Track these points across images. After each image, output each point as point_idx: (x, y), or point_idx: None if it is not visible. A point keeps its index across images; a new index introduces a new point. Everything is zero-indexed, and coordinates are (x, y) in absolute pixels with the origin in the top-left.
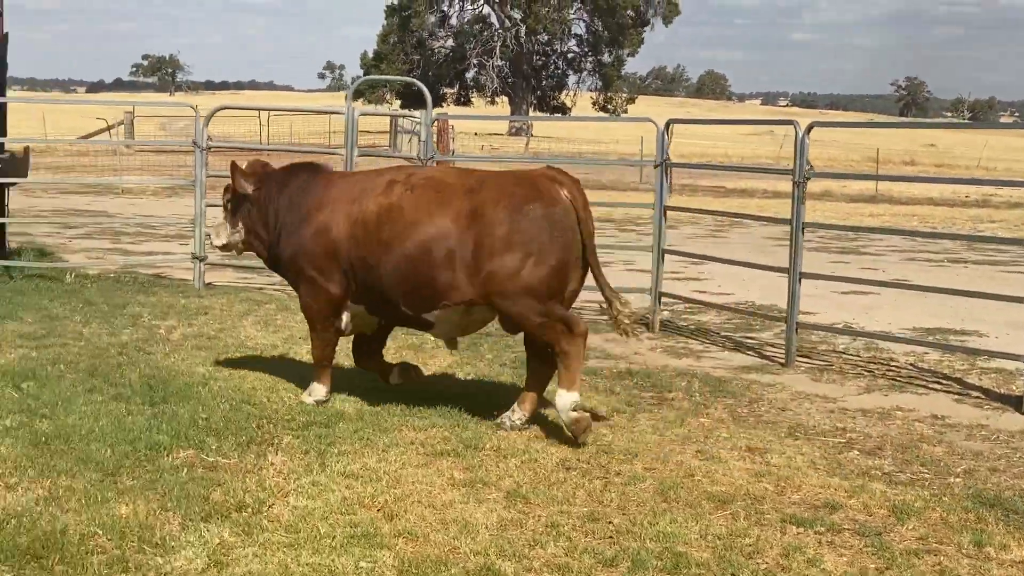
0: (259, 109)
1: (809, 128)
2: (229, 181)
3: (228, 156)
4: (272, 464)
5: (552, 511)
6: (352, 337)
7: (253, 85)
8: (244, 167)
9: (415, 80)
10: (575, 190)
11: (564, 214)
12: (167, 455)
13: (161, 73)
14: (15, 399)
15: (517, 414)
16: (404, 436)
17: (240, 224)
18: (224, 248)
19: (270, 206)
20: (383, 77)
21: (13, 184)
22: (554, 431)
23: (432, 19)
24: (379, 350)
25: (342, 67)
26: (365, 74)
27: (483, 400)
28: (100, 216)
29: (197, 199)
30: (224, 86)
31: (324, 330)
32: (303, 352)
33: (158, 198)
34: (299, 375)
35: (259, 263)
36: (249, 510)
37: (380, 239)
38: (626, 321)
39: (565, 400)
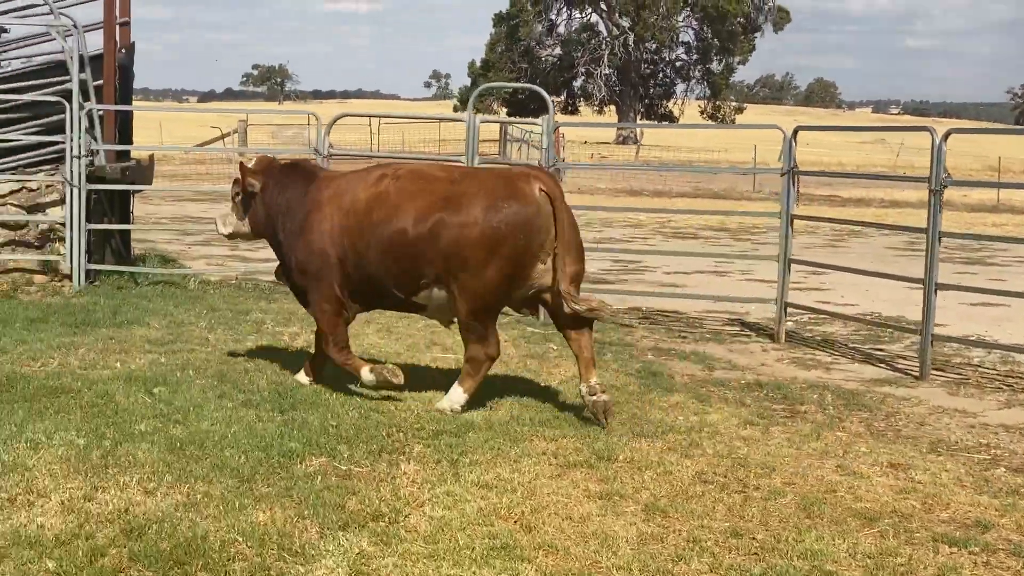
0: (380, 117)
1: (946, 135)
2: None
3: (349, 164)
4: (405, 473)
5: (692, 525)
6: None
7: (360, 94)
8: (251, 164)
9: (537, 87)
10: (551, 184)
11: (536, 212)
12: (300, 462)
13: (270, 83)
14: (148, 404)
15: (585, 387)
16: (535, 446)
17: (247, 217)
18: (230, 237)
19: (273, 202)
20: (503, 84)
21: (139, 191)
22: (687, 443)
23: (540, 27)
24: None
25: (447, 76)
26: (473, 83)
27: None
28: None
29: None
30: (331, 95)
31: (334, 328)
32: (427, 360)
33: None
34: (425, 383)
35: None
36: (386, 520)
37: (370, 222)
38: (575, 305)
39: (457, 395)
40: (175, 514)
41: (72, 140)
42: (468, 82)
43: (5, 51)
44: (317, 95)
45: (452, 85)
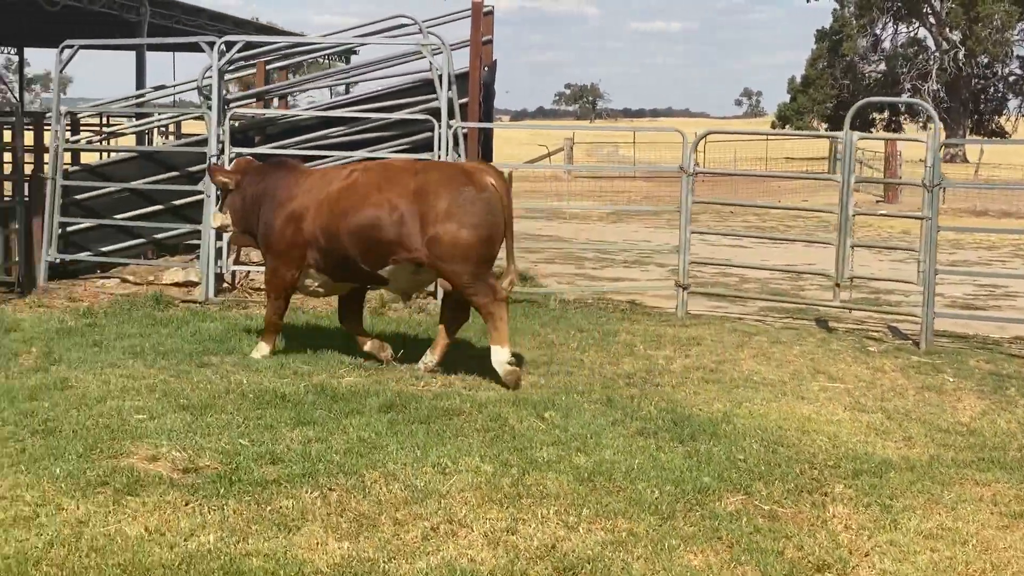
0: (750, 134)
1: None
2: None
3: (712, 183)
4: (835, 517)
5: None
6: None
7: (669, 112)
8: (231, 165)
9: (922, 102)
10: (498, 180)
11: (491, 198)
12: (718, 500)
13: (582, 101)
14: (542, 429)
15: (429, 358)
16: (969, 491)
17: (228, 210)
18: (219, 229)
19: (249, 194)
20: (883, 99)
21: None
22: None
23: (864, 43)
24: (358, 313)
25: (759, 93)
26: (792, 99)
27: None
28: (556, 240)
29: (682, 226)
30: (641, 113)
31: (278, 299)
32: (815, 389)
33: (604, 223)
34: (825, 417)
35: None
36: (833, 571)
37: (341, 209)
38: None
39: (500, 356)
40: (605, 553)
41: (440, 158)
42: (787, 99)
43: (370, 71)
44: (627, 113)
45: (763, 103)
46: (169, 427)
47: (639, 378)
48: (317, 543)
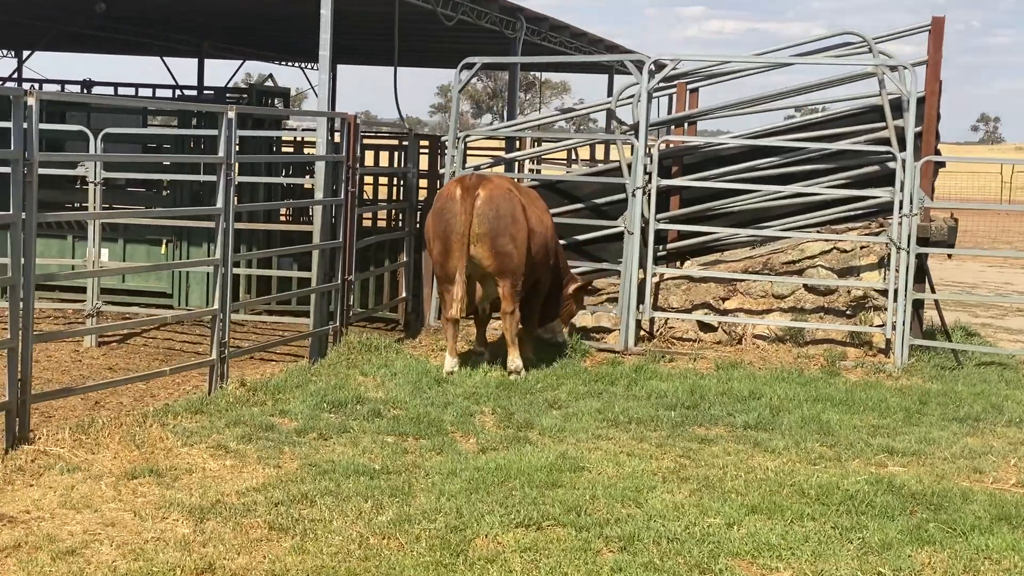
0: None
1: None
2: None
3: None
4: None
5: None
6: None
7: None
8: None
9: None
10: (469, 184)
11: (449, 207)
12: None
13: None
14: None
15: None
16: None
17: None
18: None
19: None
20: None
21: (950, 254)
22: None
23: None
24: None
25: (996, 119)
26: None
27: None
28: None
29: None
30: None
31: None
32: None
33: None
34: None
35: None
36: None
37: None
38: None
39: (446, 362)
40: None
41: (903, 195)
42: None
43: (806, 93)
44: None
45: (1000, 129)
46: (762, 539)
47: None
48: None
